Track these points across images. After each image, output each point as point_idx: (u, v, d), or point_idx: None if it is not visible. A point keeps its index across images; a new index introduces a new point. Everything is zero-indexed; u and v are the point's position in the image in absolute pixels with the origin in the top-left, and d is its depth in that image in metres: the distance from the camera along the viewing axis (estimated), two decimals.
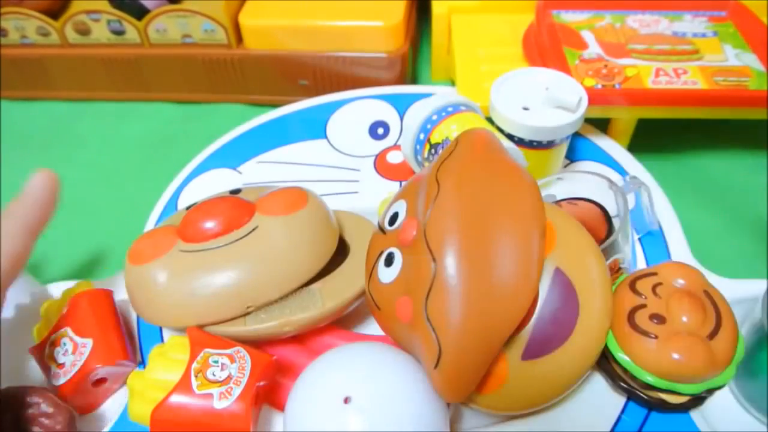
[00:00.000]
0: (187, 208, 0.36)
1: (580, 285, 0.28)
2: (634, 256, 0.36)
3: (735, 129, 0.51)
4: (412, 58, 0.59)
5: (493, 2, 0.55)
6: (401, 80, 0.55)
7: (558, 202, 0.38)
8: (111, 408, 0.34)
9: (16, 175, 0.56)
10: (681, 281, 0.30)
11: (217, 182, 0.45)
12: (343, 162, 0.46)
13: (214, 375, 0.28)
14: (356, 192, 0.43)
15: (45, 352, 0.33)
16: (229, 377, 0.28)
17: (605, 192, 0.36)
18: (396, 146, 0.47)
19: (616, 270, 0.34)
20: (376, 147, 0.47)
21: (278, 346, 0.33)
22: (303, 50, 0.55)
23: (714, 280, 0.35)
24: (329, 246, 0.34)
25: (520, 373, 0.27)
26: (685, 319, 0.29)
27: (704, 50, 0.47)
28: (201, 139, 0.49)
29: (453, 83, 0.54)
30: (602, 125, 0.47)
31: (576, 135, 0.44)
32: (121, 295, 0.35)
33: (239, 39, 0.57)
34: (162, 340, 0.36)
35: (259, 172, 0.45)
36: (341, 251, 0.35)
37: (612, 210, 0.36)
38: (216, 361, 0.29)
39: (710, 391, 0.30)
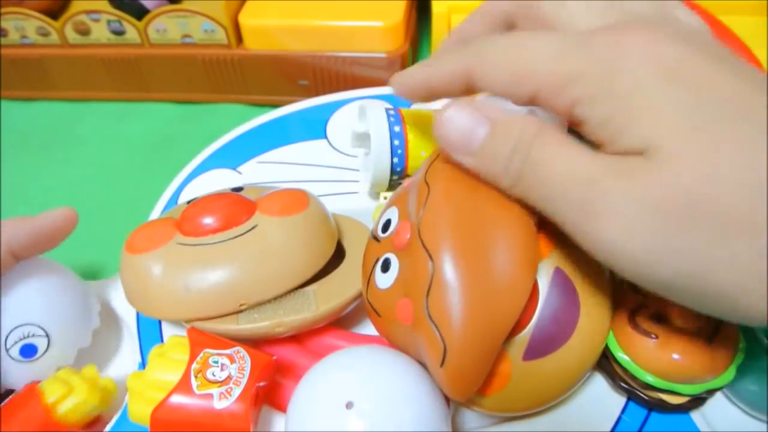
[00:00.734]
0: (188, 202, 0.36)
1: (581, 284, 0.28)
2: None
3: None
4: (412, 58, 0.59)
5: None
6: None
7: None
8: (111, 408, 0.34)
9: (16, 175, 0.56)
10: None
11: (217, 182, 0.45)
12: (343, 162, 0.46)
13: (213, 375, 0.28)
14: (356, 192, 0.43)
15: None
16: (229, 377, 0.28)
17: None
18: None
19: None
20: None
21: (278, 346, 0.33)
22: (303, 50, 0.55)
23: None
24: (327, 249, 0.34)
25: (523, 374, 0.27)
26: (685, 319, 0.29)
27: None
28: (201, 139, 0.49)
29: None
30: None
31: None
32: (121, 294, 0.35)
33: (239, 39, 0.57)
34: (162, 340, 0.36)
35: (259, 172, 0.45)
36: (338, 255, 0.35)
37: None
38: (216, 362, 0.29)
39: (710, 392, 0.30)
